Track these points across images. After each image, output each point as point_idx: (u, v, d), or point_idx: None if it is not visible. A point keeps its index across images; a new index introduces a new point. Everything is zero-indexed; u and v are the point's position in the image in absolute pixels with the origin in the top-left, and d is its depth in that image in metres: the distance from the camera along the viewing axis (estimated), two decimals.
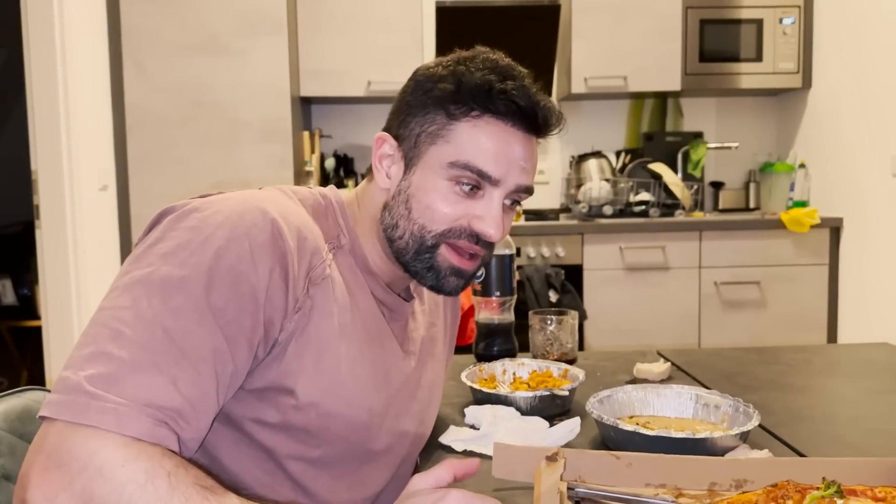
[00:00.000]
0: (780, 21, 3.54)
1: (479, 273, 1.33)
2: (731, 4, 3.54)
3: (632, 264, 3.32)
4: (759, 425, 0.99)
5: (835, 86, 3.42)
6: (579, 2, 3.49)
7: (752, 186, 3.82)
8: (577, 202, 3.56)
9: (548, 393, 1.09)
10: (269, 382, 0.81)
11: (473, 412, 1.08)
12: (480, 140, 0.88)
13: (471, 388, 1.14)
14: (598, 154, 3.69)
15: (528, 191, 0.94)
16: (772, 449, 0.90)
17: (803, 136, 3.71)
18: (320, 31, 3.39)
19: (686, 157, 3.71)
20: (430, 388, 1.02)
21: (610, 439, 0.95)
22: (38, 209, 2.78)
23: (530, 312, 1.38)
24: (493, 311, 1.36)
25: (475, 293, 1.37)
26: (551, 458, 0.77)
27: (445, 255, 0.90)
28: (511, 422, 1.02)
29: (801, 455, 0.93)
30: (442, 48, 2.64)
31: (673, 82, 3.54)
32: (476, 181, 0.88)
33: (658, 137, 3.81)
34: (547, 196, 3.91)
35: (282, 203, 0.84)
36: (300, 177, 3.41)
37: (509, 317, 1.38)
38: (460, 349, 1.27)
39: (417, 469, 1.05)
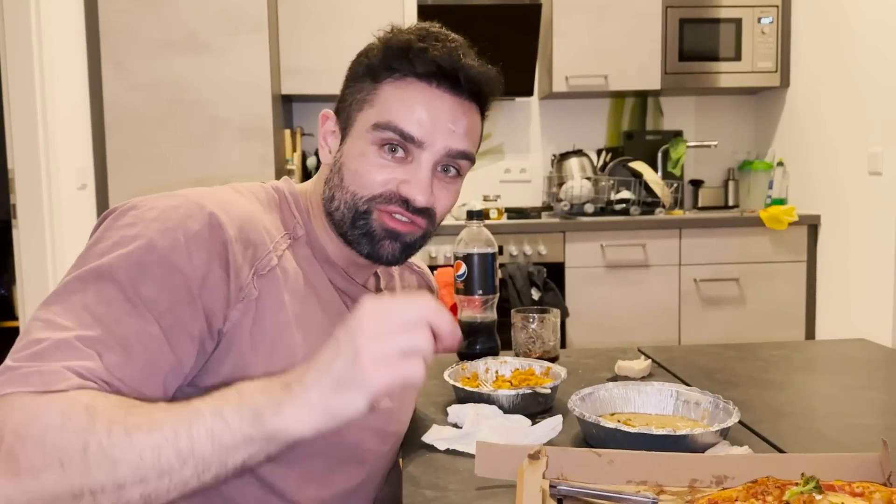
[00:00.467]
0: (759, 20, 3.57)
1: (461, 272, 1.34)
2: (710, 4, 3.56)
3: (613, 262, 3.33)
4: (739, 422, 1.00)
5: (812, 84, 3.46)
6: (560, 1, 3.50)
7: (730, 184, 3.86)
8: (559, 200, 3.57)
9: (530, 391, 1.09)
10: (224, 378, 0.79)
11: (456, 411, 1.08)
12: (403, 100, 0.86)
13: (453, 386, 1.14)
14: (579, 152, 3.71)
15: (465, 156, 0.91)
16: (751, 445, 0.91)
17: (781, 135, 3.75)
18: (301, 28, 3.37)
19: (666, 155, 3.73)
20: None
21: (592, 437, 0.96)
22: (14, 208, 2.74)
23: (513, 310, 1.38)
24: (475, 310, 1.36)
25: (458, 292, 1.37)
26: (534, 457, 0.78)
27: (379, 220, 0.89)
28: (493, 420, 1.02)
29: (781, 451, 0.94)
30: None
31: (653, 81, 3.56)
32: (400, 142, 0.87)
33: (638, 136, 3.83)
34: (529, 194, 3.92)
35: (225, 198, 0.84)
36: (282, 175, 3.38)
37: (492, 315, 1.38)
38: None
39: (398, 469, 1.05)
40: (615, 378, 1.28)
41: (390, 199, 0.88)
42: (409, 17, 3.43)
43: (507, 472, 0.83)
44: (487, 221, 3.25)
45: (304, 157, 3.66)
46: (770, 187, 3.69)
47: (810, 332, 3.45)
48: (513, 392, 1.09)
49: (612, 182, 3.57)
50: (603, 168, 3.72)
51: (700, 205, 3.83)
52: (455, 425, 1.06)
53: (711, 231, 3.38)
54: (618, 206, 3.52)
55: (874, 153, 3.00)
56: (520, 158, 3.93)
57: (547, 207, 3.78)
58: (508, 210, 3.60)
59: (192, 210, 0.78)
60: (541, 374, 1.19)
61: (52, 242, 2.77)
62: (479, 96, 0.91)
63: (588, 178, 3.58)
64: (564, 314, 3.15)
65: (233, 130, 3.21)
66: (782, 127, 3.74)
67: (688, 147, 3.76)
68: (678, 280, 3.38)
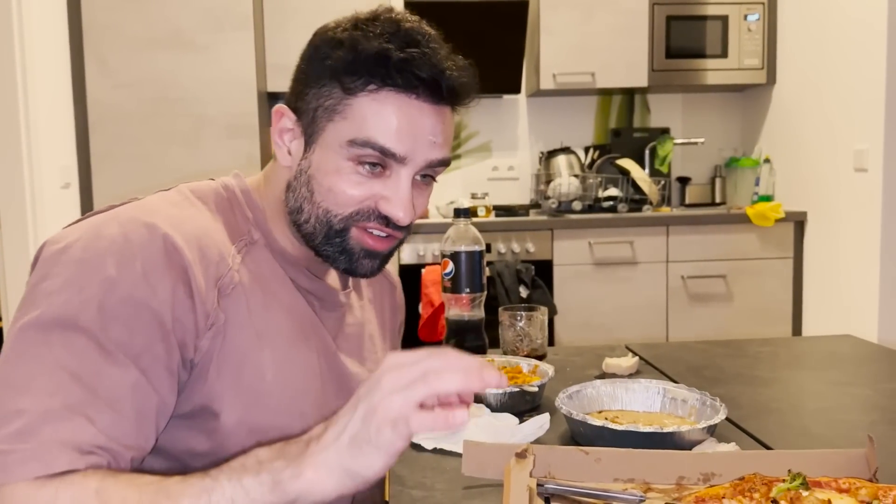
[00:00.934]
0: (745, 17, 3.59)
1: (448, 270, 1.33)
2: (696, 1, 3.57)
3: (601, 259, 3.34)
4: (726, 419, 1.00)
5: (799, 81, 3.47)
6: None
7: (717, 181, 3.87)
8: (547, 198, 3.57)
9: (517, 389, 1.09)
10: (195, 405, 0.77)
11: None
12: (381, 116, 0.80)
13: None
14: (566, 150, 3.71)
15: (443, 163, 0.86)
16: (739, 442, 0.91)
17: (768, 132, 3.76)
18: (287, 25, 3.35)
19: (653, 152, 3.74)
20: None
21: (579, 434, 0.95)
22: None
23: (500, 308, 1.38)
24: (463, 308, 1.36)
25: (445, 290, 1.37)
26: (521, 455, 0.77)
27: (357, 238, 0.85)
28: (481, 419, 1.02)
29: (768, 448, 0.94)
30: None
31: (640, 78, 3.57)
32: (379, 159, 0.81)
33: (626, 133, 3.83)
34: (516, 192, 3.92)
35: (173, 212, 0.79)
36: None
37: (479, 313, 1.38)
38: (431, 346, 1.26)
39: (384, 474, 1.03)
40: (603, 375, 1.27)
41: (368, 216, 0.84)
42: None
43: (494, 471, 0.82)
44: (475, 219, 3.25)
45: None
46: (757, 184, 3.70)
47: (797, 329, 3.47)
48: (500, 390, 1.09)
49: (599, 179, 3.58)
50: (590, 165, 3.72)
51: (687, 202, 3.84)
52: None
53: (699, 228, 3.39)
54: (605, 204, 3.53)
55: (860, 150, 3.02)
56: (507, 156, 3.93)
57: (535, 205, 3.78)
58: (496, 208, 3.60)
59: (143, 237, 0.73)
60: (528, 372, 1.19)
61: (36, 242, 2.74)
62: (457, 100, 0.86)
63: (576, 176, 3.58)
64: (552, 312, 3.15)
65: (218, 128, 3.19)
66: (769, 124, 3.75)
67: (675, 144, 3.77)
68: (666, 277, 3.39)
